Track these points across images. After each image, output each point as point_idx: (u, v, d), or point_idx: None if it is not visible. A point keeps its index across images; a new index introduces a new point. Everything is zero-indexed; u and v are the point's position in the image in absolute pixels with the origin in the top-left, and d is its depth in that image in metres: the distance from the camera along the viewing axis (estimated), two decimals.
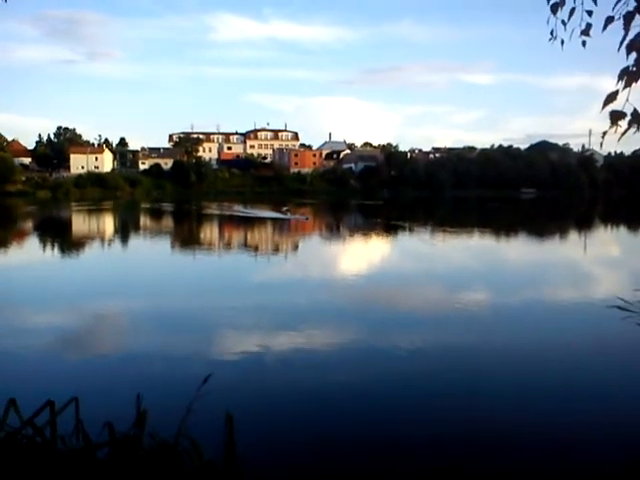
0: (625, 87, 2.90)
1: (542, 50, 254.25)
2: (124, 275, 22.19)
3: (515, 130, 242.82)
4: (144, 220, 56.23)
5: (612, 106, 2.92)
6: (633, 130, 2.92)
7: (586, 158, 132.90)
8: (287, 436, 7.89)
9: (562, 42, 4.27)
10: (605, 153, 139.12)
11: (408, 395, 9.37)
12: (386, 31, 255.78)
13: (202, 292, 18.27)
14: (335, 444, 7.60)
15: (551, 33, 4.39)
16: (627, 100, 2.86)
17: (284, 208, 57.24)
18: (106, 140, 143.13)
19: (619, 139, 3.03)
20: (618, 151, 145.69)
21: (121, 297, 17.52)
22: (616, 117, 2.90)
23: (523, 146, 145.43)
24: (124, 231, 44.02)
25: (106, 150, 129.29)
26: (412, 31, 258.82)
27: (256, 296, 17.49)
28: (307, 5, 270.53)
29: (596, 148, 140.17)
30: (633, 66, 2.88)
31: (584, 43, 3.97)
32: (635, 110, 2.87)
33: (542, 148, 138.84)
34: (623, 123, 2.92)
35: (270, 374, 10.47)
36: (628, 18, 3.00)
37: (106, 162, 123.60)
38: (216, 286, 19.52)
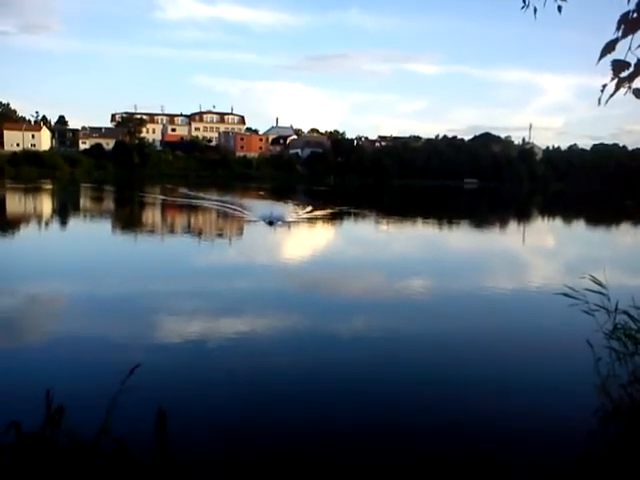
0: (624, 36, 2.54)
1: (486, 43, 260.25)
2: (55, 257, 20.83)
3: (459, 121, 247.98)
4: (84, 201, 54.11)
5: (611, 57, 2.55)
6: (623, 91, 2.56)
7: (526, 151, 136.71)
8: (226, 432, 7.16)
9: (535, 10, 3.96)
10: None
11: (353, 383, 9.00)
12: (333, 18, 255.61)
13: (140, 277, 17.18)
14: (277, 440, 7.02)
15: (524, 0, 4.07)
16: (629, 49, 2.49)
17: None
18: (44, 117, 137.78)
19: (607, 100, 2.69)
20: (556, 145, 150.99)
21: (48, 280, 16.26)
22: (619, 67, 2.53)
23: (466, 137, 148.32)
24: (62, 212, 42.03)
25: (44, 128, 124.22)
26: (359, 19, 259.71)
27: (198, 281, 16.75)
28: None
29: (536, 142, 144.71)
30: (634, 12, 2.51)
31: (560, 8, 3.66)
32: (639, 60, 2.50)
33: (485, 140, 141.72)
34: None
35: (208, 364, 9.63)
36: None
37: (44, 140, 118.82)
38: (156, 271, 18.57)
